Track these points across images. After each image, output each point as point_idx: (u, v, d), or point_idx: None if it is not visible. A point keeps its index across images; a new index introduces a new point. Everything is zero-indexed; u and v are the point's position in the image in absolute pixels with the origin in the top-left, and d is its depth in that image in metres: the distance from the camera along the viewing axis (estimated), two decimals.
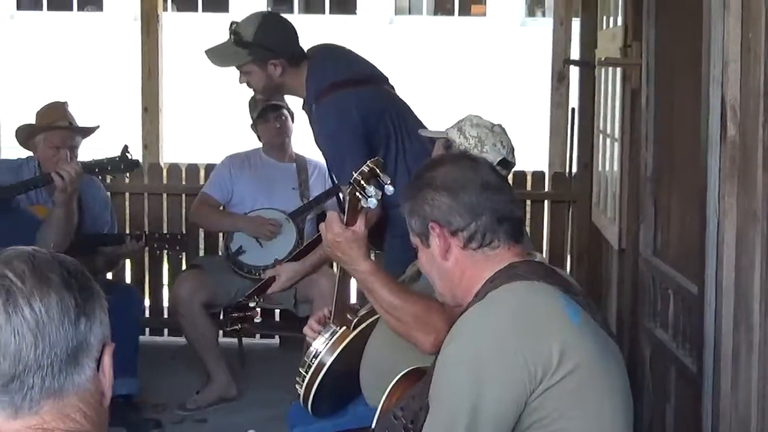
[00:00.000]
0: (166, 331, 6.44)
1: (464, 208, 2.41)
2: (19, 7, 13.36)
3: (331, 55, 4.18)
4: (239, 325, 4.14)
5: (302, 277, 4.07)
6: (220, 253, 5.91)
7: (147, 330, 6.42)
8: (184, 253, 5.77)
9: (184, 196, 6.24)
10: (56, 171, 4.16)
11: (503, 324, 2.25)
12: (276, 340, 6.41)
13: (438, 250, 2.45)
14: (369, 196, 2.92)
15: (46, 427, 1.49)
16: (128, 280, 6.35)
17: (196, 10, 13.21)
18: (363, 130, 3.95)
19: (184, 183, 6.33)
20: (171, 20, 10.76)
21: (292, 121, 5.72)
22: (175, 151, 8.69)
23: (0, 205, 4.25)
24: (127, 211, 6.29)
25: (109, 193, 5.66)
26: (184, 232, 6.13)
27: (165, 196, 6.33)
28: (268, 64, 3.98)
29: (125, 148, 4.36)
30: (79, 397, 1.52)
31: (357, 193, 2.95)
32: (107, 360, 1.56)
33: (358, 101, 3.98)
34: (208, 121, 10.85)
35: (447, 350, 2.29)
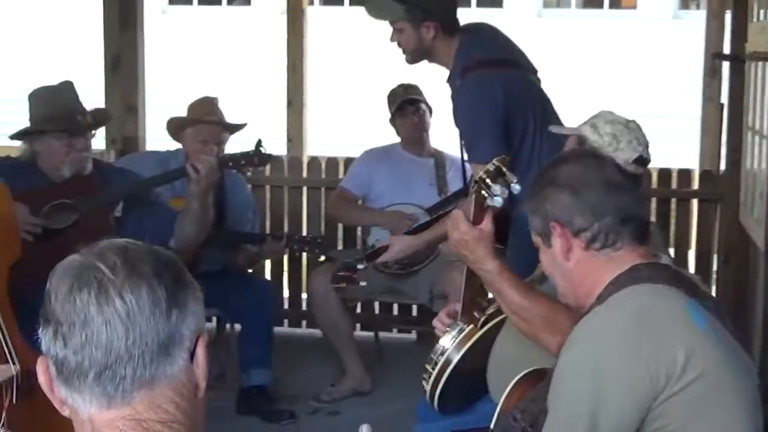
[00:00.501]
0: (304, 323, 6.47)
1: (587, 208, 2.35)
2: (171, 2, 13.62)
3: (486, 33, 4.16)
4: (344, 284, 4.17)
5: (414, 252, 4.00)
6: (357, 247, 5.91)
7: (286, 321, 6.47)
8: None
9: (323, 189, 6.27)
10: (191, 164, 4.19)
11: (624, 328, 2.18)
12: (413, 335, 6.39)
13: (559, 250, 2.39)
14: (495, 195, 2.86)
15: (139, 418, 1.50)
16: (268, 271, 6.40)
17: (342, 4, 13.25)
18: (503, 113, 3.92)
19: (323, 177, 6.34)
20: (316, 14, 10.84)
21: (431, 116, 5.69)
22: (318, 144, 8.79)
23: (140, 197, 4.30)
24: (268, 204, 6.35)
25: (250, 186, 5.74)
26: (323, 226, 6.22)
27: (305, 189, 6.36)
28: (421, 25, 3.97)
29: (259, 143, 4.39)
30: (172, 388, 1.52)
31: (483, 192, 2.91)
32: (201, 351, 1.55)
33: (503, 83, 3.95)
34: (351, 115, 10.89)
35: (566, 355, 2.23)
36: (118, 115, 6.17)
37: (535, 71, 4.22)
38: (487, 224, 2.91)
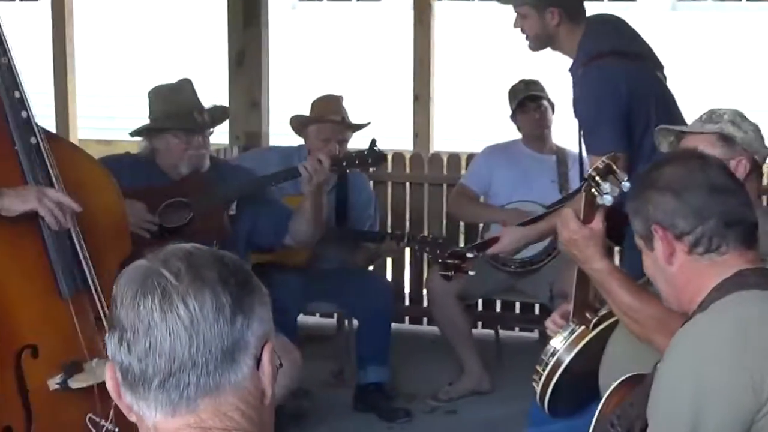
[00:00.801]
0: (425, 320, 6.43)
1: (689, 211, 2.27)
2: None
3: (613, 24, 4.11)
4: (451, 272, 4.15)
5: (526, 244, 4.08)
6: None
7: (407, 318, 6.46)
8: None
9: (445, 186, 6.21)
10: (302, 164, 4.20)
11: (726, 337, 2.10)
12: (535, 334, 6.29)
13: (662, 254, 2.32)
14: (605, 193, 2.82)
15: (204, 426, 1.49)
16: (389, 266, 6.38)
17: None
18: (626, 106, 3.85)
19: (445, 173, 6.29)
20: (445, 8, 10.81)
21: (553, 112, 5.62)
22: (445, 140, 8.76)
23: (254, 195, 4.33)
24: (389, 201, 6.33)
25: (372, 182, 5.74)
26: (444, 223, 6.15)
27: (426, 186, 6.32)
28: (546, 11, 3.95)
29: (373, 142, 4.37)
30: (237, 395, 1.50)
31: (593, 189, 2.85)
32: (267, 358, 1.53)
33: (627, 76, 3.89)
34: (478, 110, 10.83)
35: (665, 364, 2.17)
36: (242, 111, 6.27)
37: (661, 67, 4.13)
38: (597, 223, 2.86)
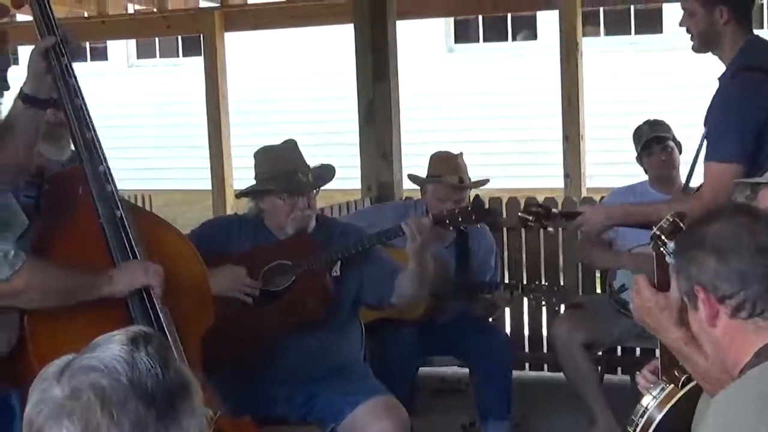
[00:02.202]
0: (545, 366, 6.32)
1: (733, 274, 2.17)
2: (456, 41, 13.76)
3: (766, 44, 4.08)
4: (532, 219, 4.19)
5: (608, 219, 4.18)
6: (597, 291, 5.71)
7: (527, 365, 6.37)
8: None
9: (561, 230, 6.05)
10: (405, 222, 4.16)
11: (750, 410, 1.99)
12: None
13: (705, 315, 2.22)
14: (671, 253, 2.68)
15: None
16: (507, 314, 6.28)
17: (628, 32, 12.97)
18: (761, 122, 3.82)
19: None
20: (595, 45, 10.70)
21: (680, 153, 5.45)
22: (601, 178, 8.59)
23: (359, 254, 4.24)
24: (505, 247, 6.21)
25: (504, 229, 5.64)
26: (579, 271, 5.99)
27: (542, 232, 6.14)
28: (716, 9, 3.93)
29: (477, 198, 4.30)
30: None
31: (661, 249, 2.74)
32: None
33: None
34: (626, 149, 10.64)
35: (700, 428, 2.10)
36: (373, 162, 6.32)
37: None
38: (673, 291, 2.71)
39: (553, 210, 4.21)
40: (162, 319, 3.10)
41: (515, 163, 11.47)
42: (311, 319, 4.09)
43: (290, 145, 4.32)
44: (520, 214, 4.33)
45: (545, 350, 6.17)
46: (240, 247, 4.21)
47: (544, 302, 5.12)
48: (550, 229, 4.11)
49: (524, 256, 6.19)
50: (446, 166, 5.13)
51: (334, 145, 10.13)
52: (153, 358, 1.55)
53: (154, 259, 3.15)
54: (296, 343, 4.05)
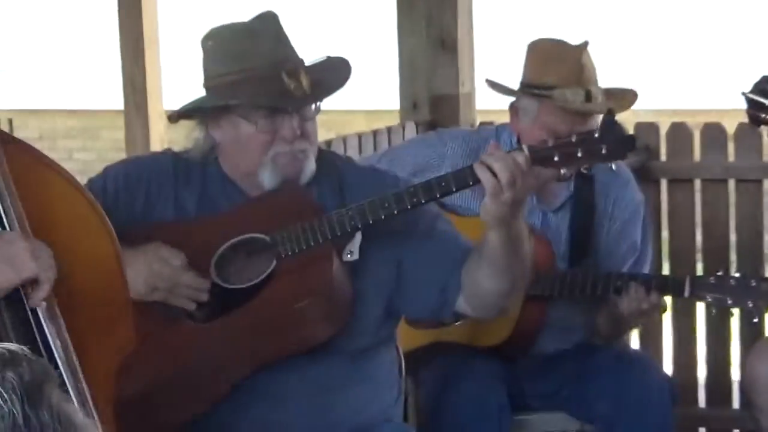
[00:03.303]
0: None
1: None
2: None
3: None
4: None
5: None
6: None
7: (703, 430, 4.65)
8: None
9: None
10: (483, 160, 2.72)
11: None
12: None
13: None
14: None
15: None
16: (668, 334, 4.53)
17: None
18: None
19: None
20: None
21: None
22: None
23: (396, 223, 2.83)
24: (664, 209, 4.50)
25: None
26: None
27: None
28: None
29: (609, 120, 2.83)
30: None
31: None
32: None
33: None
34: None
35: None
36: (424, 57, 4.66)
37: None
38: None
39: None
40: (49, 335, 2.38)
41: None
42: (305, 341, 2.83)
43: (267, 22, 2.88)
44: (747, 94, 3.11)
45: (736, 404, 4.42)
46: (177, 210, 2.91)
47: (733, 308, 3.46)
48: None
49: (699, 226, 4.43)
50: (561, 69, 3.51)
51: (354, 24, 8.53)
52: (14, 392, 1.36)
53: (41, 234, 2.38)
54: (278, 387, 2.83)
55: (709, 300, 3.44)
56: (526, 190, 2.73)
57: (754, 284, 3.44)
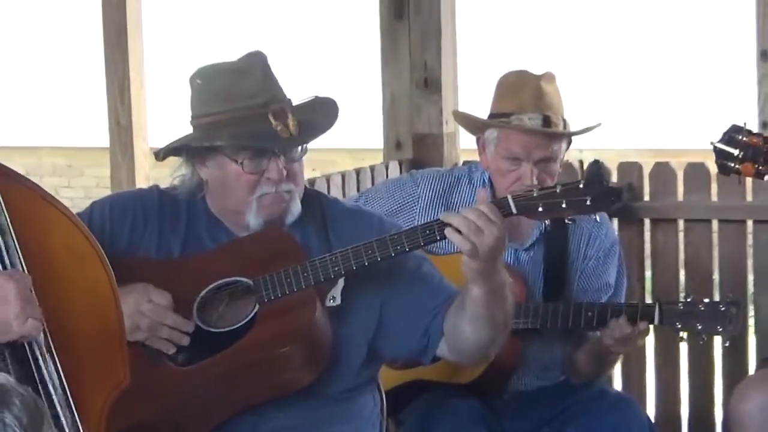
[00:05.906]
0: None
1: None
2: None
3: None
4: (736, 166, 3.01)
5: None
6: None
7: None
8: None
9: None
10: (448, 215, 2.69)
11: None
12: None
13: None
14: None
15: None
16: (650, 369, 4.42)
17: None
18: None
19: None
20: None
21: None
22: None
23: (378, 267, 2.76)
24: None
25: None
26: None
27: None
28: None
29: (595, 165, 2.82)
30: None
31: None
32: None
33: None
34: None
35: None
36: (405, 96, 4.66)
37: None
38: None
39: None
40: (46, 375, 2.31)
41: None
42: (286, 386, 2.75)
43: (255, 61, 2.82)
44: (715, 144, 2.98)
45: None
46: (161, 246, 2.84)
47: (702, 334, 3.35)
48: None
49: (682, 266, 4.34)
50: (520, 96, 3.44)
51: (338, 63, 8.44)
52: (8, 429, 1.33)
53: (39, 269, 2.27)
54: (261, 428, 2.76)
55: (678, 326, 3.37)
56: (497, 239, 2.59)
57: (722, 309, 3.38)
